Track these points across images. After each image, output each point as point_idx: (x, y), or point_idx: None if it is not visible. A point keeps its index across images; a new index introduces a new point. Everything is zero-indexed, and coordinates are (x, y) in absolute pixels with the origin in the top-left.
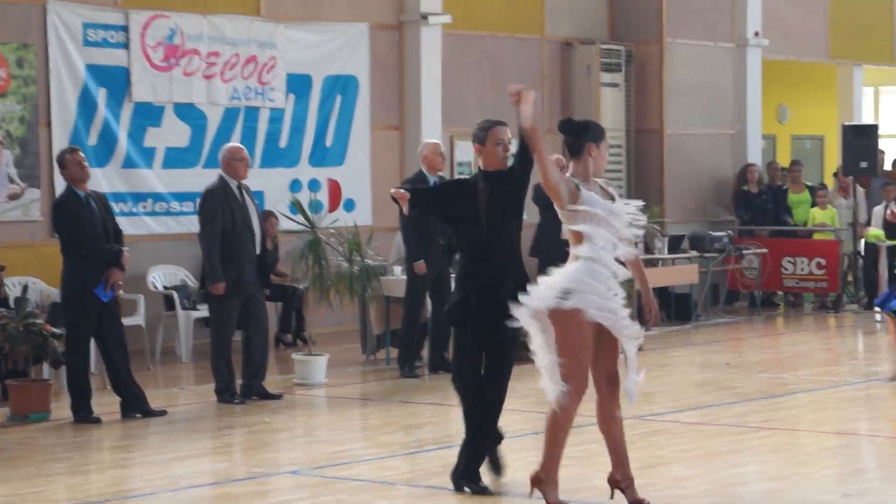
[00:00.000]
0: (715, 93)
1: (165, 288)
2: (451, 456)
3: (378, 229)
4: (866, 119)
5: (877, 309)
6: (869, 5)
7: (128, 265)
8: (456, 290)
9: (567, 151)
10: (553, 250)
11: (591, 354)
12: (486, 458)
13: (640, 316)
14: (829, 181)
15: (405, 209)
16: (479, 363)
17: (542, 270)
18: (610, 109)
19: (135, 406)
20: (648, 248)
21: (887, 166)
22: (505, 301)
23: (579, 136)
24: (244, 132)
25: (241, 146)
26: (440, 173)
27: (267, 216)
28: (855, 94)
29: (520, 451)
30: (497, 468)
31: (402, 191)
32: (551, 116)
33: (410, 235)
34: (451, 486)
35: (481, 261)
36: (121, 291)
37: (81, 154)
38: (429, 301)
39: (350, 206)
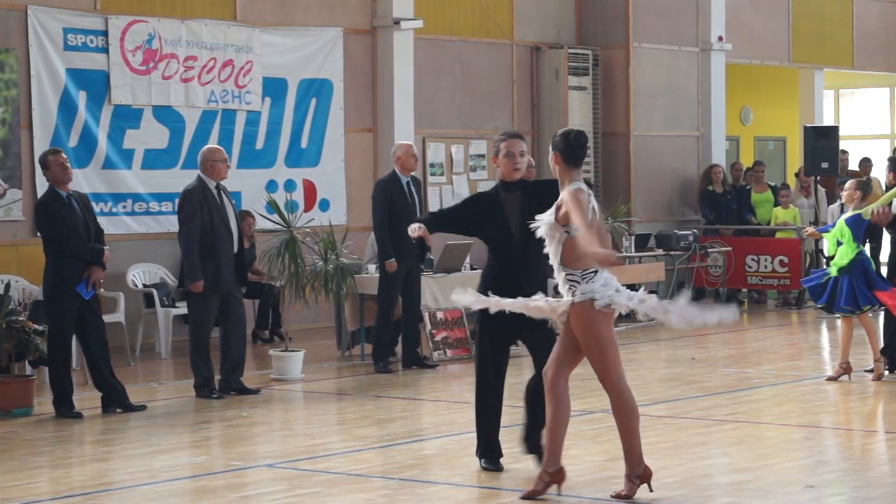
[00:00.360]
0: (680, 96)
1: (145, 286)
2: (424, 449)
3: (352, 229)
4: (827, 121)
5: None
6: (829, 12)
7: (108, 263)
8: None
9: (567, 161)
10: None
11: None
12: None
13: None
14: (792, 181)
15: (429, 241)
16: (504, 365)
17: None
18: (577, 112)
19: (115, 401)
20: (616, 247)
21: (853, 166)
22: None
23: (585, 149)
24: (221, 134)
25: (220, 147)
26: (412, 173)
27: (244, 216)
28: (816, 97)
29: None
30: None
31: (419, 228)
32: (519, 119)
33: (382, 234)
34: (423, 477)
35: (515, 269)
36: (102, 290)
37: (64, 156)
38: (400, 298)
39: (325, 206)
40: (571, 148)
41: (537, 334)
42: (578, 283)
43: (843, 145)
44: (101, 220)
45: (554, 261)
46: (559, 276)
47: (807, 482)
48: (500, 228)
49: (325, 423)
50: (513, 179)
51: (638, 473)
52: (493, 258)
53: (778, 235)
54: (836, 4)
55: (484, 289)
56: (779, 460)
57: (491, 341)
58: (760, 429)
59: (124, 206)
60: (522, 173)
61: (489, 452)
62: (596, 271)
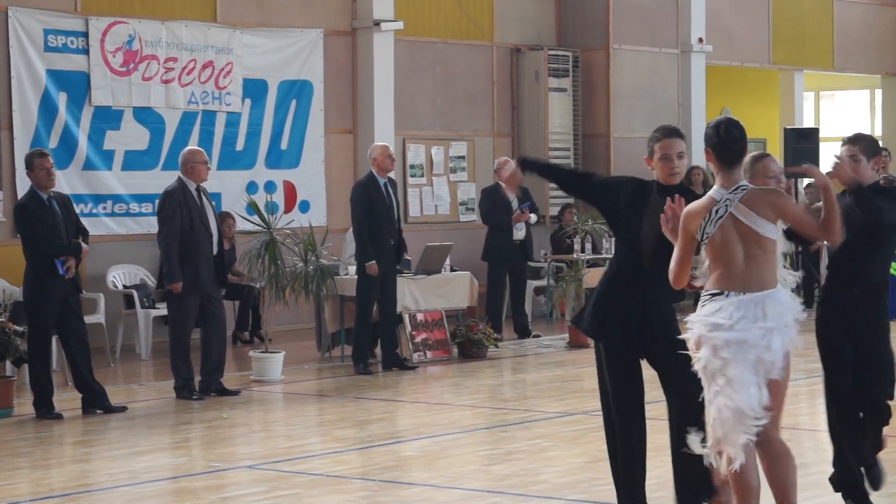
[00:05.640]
0: (660, 97)
1: (125, 287)
2: (404, 450)
3: (332, 230)
4: (807, 123)
5: None
6: (809, 13)
7: (88, 264)
8: (598, 303)
9: (719, 159)
10: (501, 255)
11: None
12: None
13: None
14: None
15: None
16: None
17: (493, 275)
18: (557, 114)
19: (95, 402)
20: (596, 248)
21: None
22: (660, 327)
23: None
24: (201, 135)
25: (201, 149)
26: (390, 175)
27: (224, 217)
28: (796, 99)
29: (471, 446)
30: None
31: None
32: (499, 121)
33: (363, 236)
34: (403, 479)
35: (638, 282)
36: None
37: (50, 161)
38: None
39: (305, 207)
40: (724, 143)
41: (661, 346)
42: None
43: (822, 147)
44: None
45: None
46: None
47: None
48: (632, 226)
49: (304, 425)
50: (671, 184)
51: None
52: (617, 261)
53: None
54: (816, 6)
55: (600, 296)
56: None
57: (621, 364)
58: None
59: (104, 208)
60: (682, 177)
61: None
62: (715, 294)
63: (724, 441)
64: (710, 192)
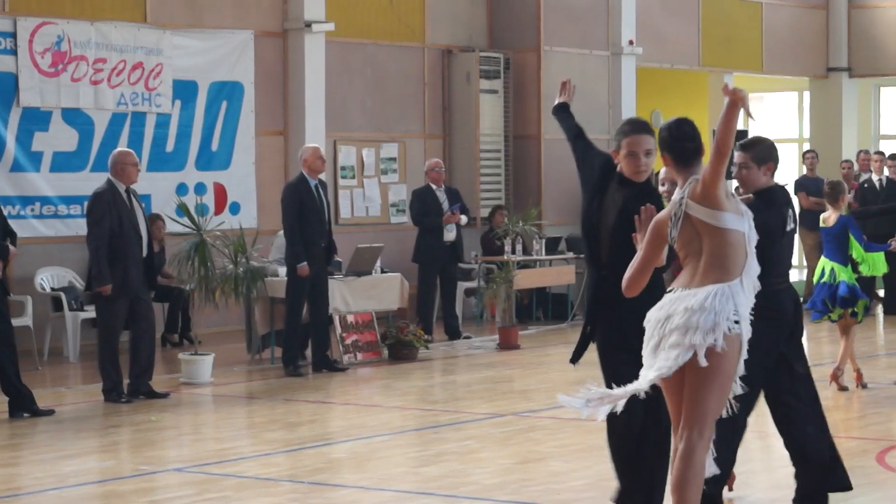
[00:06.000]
0: (591, 99)
1: (53, 289)
2: (334, 452)
3: (263, 232)
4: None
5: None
6: (738, 16)
7: (15, 266)
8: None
9: (679, 160)
10: (431, 257)
11: None
12: None
13: None
14: None
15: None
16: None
17: (424, 277)
18: (489, 115)
19: (22, 406)
20: (526, 250)
21: None
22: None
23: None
24: (131, 137)
25: (131, 151)
26: (321, 176)
27: (154, 219)
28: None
29: (401, 448)
30: None
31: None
32: (431, 122)
33: (293, 238)
34: (332, 481)
35: (603, 283)
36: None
37: None
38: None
39: (235, 209)
40: (677, 141)
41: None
42: None
43: None
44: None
45: None
46: None
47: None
48: (590, 214)
49: (234, 427)
50: (637, 181)
51: None
52: (586, 265)
53: None
54: (746, 9)
55: (588, 311)
56: None
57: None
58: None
59: (32, 210)
60: (649, 175)
61: None
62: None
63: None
64: (674, 196)
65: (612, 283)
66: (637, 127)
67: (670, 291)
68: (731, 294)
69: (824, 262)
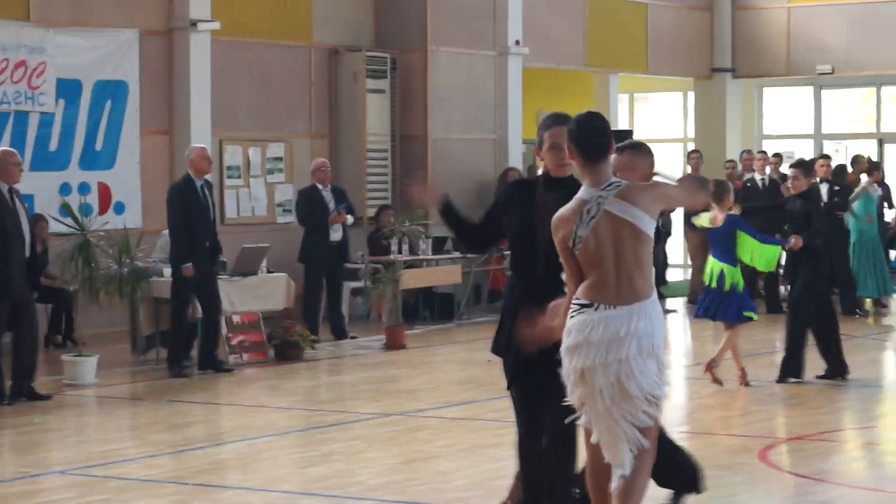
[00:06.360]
0: (478, 99)
1: None
2: (219, 454)
3: (148, 232)
4: (622, 125)
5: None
6: (624, 17)
7: None
8: (502, 323)
9: (587, 155)
10: (317, 257)
11: None
12: None
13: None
14: None
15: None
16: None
17: (310, 276)
18: (376, 115)
19: None
20: (413, 250)
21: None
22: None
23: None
24: (13, 136)
25: (14, 150)
26: (206, 176)
27: (37, 220)
28: (611, 101)
29: (286, 448)
30: None
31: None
32: (317, 122)
33: (179, 238)
34: (218, 482)
35: (538, 290)
36: None
37: None
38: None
39: (120, 209)
40: (586, 135)
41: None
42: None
43: None
44: None
45: None
46: None
47: None
48: (524, 228)
49: (118, 429)
50: (561, 175)
51: None
52: (514, 273)
53: None
54: (631, 10)
55: (506, 318)
56: None
57: (521, 395)
58: None
59: None
60: (573, 169)
61: None
62: (585, 305)
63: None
64: (579, 194)
65: (544, 292)
66: (560, 120)
67: (589, 306)
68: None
69: (714, 264)
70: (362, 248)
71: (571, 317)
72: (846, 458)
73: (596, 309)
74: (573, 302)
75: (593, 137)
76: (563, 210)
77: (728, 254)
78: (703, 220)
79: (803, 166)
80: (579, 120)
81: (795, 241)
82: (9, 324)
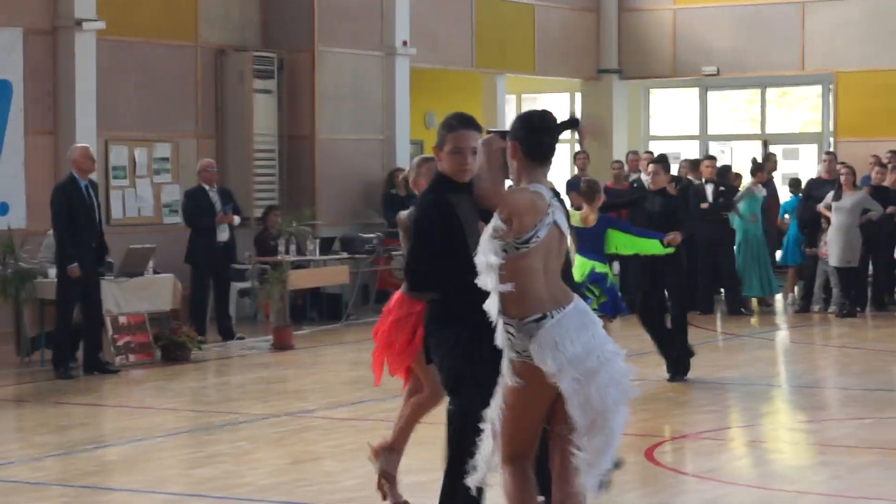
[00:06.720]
0: (365, 100)
1: None
2: (106, 455)
3: (33, 232)
4: (509, 125)
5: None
6: (511, 19)
7: None
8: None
9: (528, 154)
10: (204, 257)
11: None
12: None
13: None
14: None
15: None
16: None
17: (197, 277)
18: (263, 116)
19: None
20: (300, 250)
21: None
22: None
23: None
24: None
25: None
26: (91, 176)
27: None
28: (499, 102)
29: (174, 450)
30: None
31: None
32: (204, 122)
33: (63, 239)
34: (104, 484)
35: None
36: None
37: None
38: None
39: (4, 209)
40: (536, 134)
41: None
42: (513, 335)
43: None
44: None
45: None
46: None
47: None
48: (455, 238)
49: (3, 431)
50: (461, 181)
51: None
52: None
53: None
54: (518, 11)
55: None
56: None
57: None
58: (440, 429)
59: None
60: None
61: None
62: (543, 315)
63: None
64: (535, 188)
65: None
66: (465, 122)
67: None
68: None
69: (583, 262)
70: (249, 249)
71: (540, 329)
72: (732, 456)
73: (553, 317)
74: (525, 318)
75: (544, 136)
76: (525, 195)
77: (597, 252)
78: (574, 218)
79: (663, 162)
80: (530, 117)
81: (674, 235)
82: None
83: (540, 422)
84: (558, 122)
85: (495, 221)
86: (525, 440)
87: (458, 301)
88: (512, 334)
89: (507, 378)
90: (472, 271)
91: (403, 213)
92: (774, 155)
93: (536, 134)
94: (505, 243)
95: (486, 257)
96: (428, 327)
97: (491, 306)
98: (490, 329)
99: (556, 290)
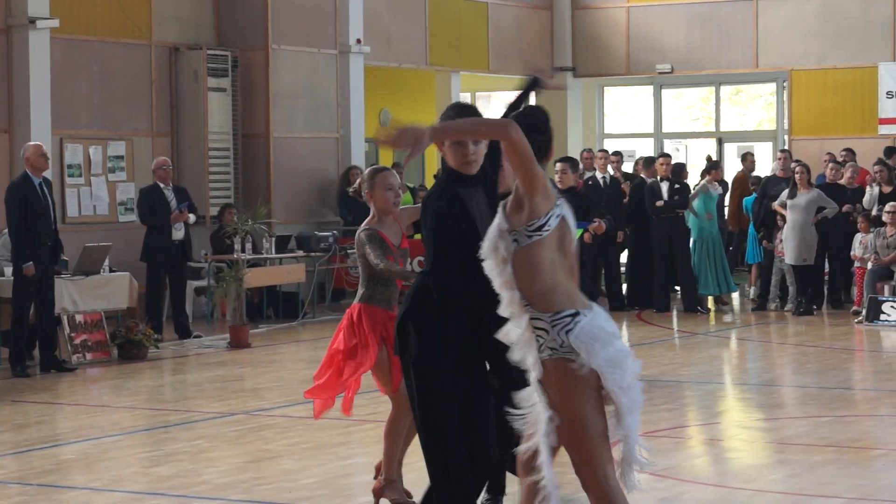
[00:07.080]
0: (320, 98)
1: None
2: (63, 454)
3: None
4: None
5: None
6: (465, 16)
7: None
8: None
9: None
10: (160, 255)
11: None
12: None
13: None
14: (430, 182)
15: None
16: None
17: (153, 275)
18: (217, 114)
19: None
20: (256, 248)
21: None
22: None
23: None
24: None
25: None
26: (45, 174)
27: None
28: (453, 100)
29: (131, 448)
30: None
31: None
32: (159, 120)
33: (18, 237)
34: (62, 482)
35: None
36: None
37: None
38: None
39: None
40: (526, 131)
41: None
42: (546, 331)
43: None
44: None
45: (500, 289)
46: (517, 317)
47: None
48: (464, 231)
49: None
50: (468, 174)
51: None
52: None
53: (417, 237)
54: (472, 9)
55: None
56: (417, 458)
57: (451, 373)
58: None
59: None
60: (479, 166)
61: None
62: (577, 312)
63: None
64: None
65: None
66: (464, 112)
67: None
68: None
69: None
70: (205, 247)
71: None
72: (689, 455)
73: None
74: (558, 313)
75: (535, 134)
76: (549, 185)
77: None
78: None
79: (570, 161)
80: (519, 115)
81: (599, 224)
82: None
83: (605, 422)
84: (547, 116)
85: (499, 219)
86: (607, 448)
87: (458, 300)
88: (545, 330)
89: (541, 397)
90: (480, 271)
91: (363, 235)
92: (752, 154)
93: (527, 132)
94: (516, 232)
95: (495, 244)
96: (412, 318)
97: (512, 305)
98: (485, 342)
99: (577, 290)
